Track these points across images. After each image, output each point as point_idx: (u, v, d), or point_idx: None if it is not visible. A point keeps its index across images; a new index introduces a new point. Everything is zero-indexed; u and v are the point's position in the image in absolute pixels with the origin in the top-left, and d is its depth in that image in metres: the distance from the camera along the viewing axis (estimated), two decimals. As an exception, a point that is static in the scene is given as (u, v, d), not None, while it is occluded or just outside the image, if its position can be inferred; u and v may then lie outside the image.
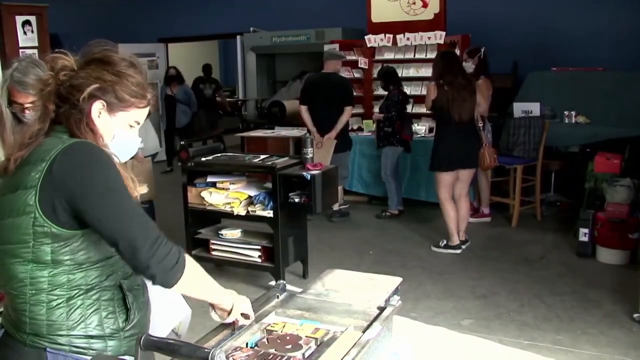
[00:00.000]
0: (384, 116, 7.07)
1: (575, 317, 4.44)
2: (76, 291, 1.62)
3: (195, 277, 1.73)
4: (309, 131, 6.78)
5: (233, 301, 1.83)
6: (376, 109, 7.74)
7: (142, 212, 1.64)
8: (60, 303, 1.60)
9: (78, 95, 1.64)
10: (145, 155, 5.82)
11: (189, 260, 1.69)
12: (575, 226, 5.92)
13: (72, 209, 1.56)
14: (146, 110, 1.76)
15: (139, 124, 1.76)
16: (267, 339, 1.77)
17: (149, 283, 1.75)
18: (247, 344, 1.76)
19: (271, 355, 1.64)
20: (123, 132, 1.73)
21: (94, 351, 1.61)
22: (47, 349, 1.60)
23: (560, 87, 7.89)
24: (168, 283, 1.63)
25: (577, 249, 5.77)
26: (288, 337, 1.76)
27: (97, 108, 1.67)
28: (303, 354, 1.67)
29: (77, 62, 1.69)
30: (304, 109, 7.01)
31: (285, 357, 1.63)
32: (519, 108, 7.10)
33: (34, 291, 1.59)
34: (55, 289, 1.60)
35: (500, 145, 6.96)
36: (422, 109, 7.29)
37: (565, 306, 4.63)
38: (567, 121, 7.57)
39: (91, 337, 1.62)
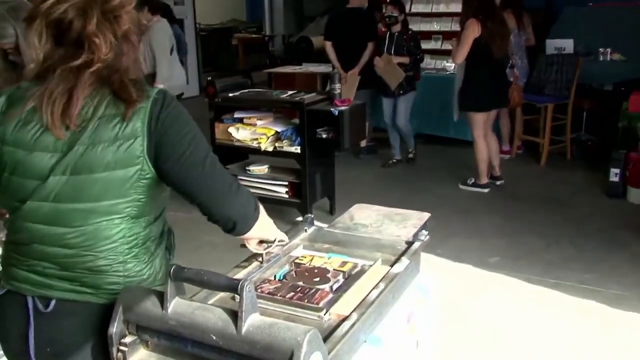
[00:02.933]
0: (412, 59, 6.63)
1: (603, 257, 4.41)
2: (156, 241, 1.60)
3: (262, 221, 1.69)
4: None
5: (276, 235, 1.82)
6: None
7: (217, 159, 1.58)
8: (147, 255, 1.57)
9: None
10: None
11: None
12: (606, 166, 5.83)
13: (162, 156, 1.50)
14: None
15: None
16: (295, 271, 1.78)
17: None
18: (275, 276, 1.77)
19: (299, 288, 1.65)
20: None
21: None
22: None
23: (596, 23, 7.60)
24: (244, 231, 1.62)
25: (607, 190, 5.69)
26: (316, 270, 1.77)
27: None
28: (331, 287, 1.68)
29: None
30: (328, 45, 6.90)
31: (313, 290, 1.64)
32: (551, 45, 6.92)
33: (126, 248, 1.52)
34: (146, 241, 1.56)
35: (531, 83, 6.83)
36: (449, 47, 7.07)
37: (592, 246, 4.60)
38: (601, 59, 7.35)
39: (160, 284, 1.58)
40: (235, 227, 1.60)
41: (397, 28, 6.60)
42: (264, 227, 1.73)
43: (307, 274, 1.75)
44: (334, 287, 1.69)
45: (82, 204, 1.47)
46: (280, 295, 1.61)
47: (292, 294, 1.62)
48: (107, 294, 1.51)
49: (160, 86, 5.61)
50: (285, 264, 1.87)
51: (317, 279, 1.71)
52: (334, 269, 1.77)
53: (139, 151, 1.46)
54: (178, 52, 7.22)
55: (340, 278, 1.73)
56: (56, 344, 1.54)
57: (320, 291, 1.63)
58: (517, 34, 6.77)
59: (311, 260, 1.85)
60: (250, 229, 1.64)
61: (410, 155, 7.04)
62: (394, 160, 6.99)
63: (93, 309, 1.51)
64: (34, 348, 1.54)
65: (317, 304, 1.57)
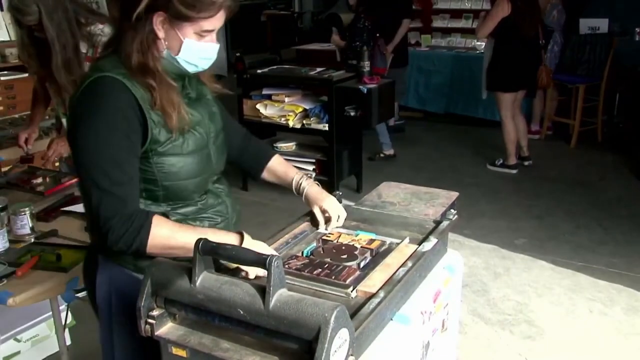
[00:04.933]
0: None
1: (632, 240, 4.36)
2: None
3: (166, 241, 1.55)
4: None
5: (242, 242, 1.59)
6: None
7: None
8: None
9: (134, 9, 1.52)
10: None
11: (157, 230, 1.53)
12: (637, 149, 5.73)
13: None
14: (217, 19, 1.58)
15: (210, 32, 1.60)
16: (322, 248, 1.77)
17: None
18: (302, 252, 1.77)
19: (326, 265, 1.65)
20: (191, 42, 1.58)
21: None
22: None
23: (634, 1, 7.43)
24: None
25: (638, 173, 5.60)
26: (344, 247, 1.76)
27: (159, 21, 1.55)
28: (358, 264, 1.67)
29: None
30: (408, 23, 6.63)
31: (341, 267, 1.64)
32: (585, 24, 6.78)
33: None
34: None
35: (563, 63, 6.71)
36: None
37: (622, 230, 4.54)
38: (637, 39, 7.19)
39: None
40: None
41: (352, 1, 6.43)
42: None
43: (334, 251, 1.74)
44: (362, 265, 1.68)
45: None
46: (307, 272, 1.61)
47: (320, 270, 1.62)
48: None
49: None
50: (313, 241, 1.86)
51: (345, 256, 1.70)
52: (361, 247, 1.76)
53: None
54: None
55: (368, 255, 1.72)
56: None
57: (347, 268, 1.63)
58: (561, 9, 6.66)
59: (338, 237, 1.85)
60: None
61: (382, 155, 6.36)
62: (382, 155, 6.38)
63: None
64: None
65: (345, 281, 1.57)
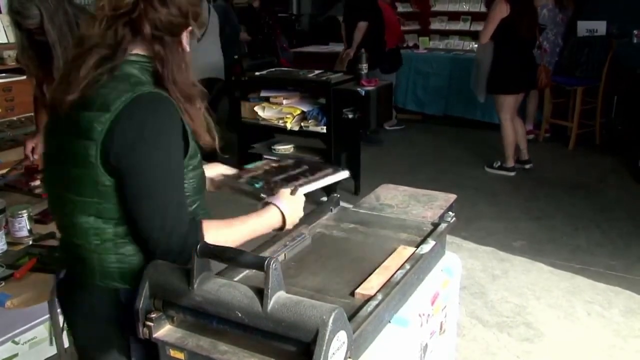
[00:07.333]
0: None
1: (631, 243, 4.36)
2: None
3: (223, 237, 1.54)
4: (362, 46, 6.55)
5: (280, 216, 1.67)
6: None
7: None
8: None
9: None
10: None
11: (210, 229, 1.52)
12: (635, 152, 5.73)
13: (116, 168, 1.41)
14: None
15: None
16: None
17: None
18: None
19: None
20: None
21: None
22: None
23: (631, 3, 7.42)
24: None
25: (636, 175, 5.60)
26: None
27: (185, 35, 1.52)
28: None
29: None
30: (363, 26, 6.51)
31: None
32: (583, 26, 6.79)
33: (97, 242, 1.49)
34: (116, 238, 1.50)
35: (561, 65, 6.72)
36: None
37: (620, 232, 4.54)
38: (635, 41, 7.19)
39: None
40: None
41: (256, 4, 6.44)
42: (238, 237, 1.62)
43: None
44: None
45: (63, 192, 1.49)
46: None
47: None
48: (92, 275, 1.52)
49: None
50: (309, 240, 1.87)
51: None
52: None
53: (92, 157, 1.40)
54: (223, 31, 7.01)
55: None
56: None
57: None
58: (552, 8, 6.66)
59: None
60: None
61: None
62: None
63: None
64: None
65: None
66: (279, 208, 1.66)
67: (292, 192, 1.70)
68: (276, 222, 1.66)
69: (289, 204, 1.68)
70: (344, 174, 1.86)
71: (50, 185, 1.56)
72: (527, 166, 5.97)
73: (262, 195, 1.70)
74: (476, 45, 7.53)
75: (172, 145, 1.44)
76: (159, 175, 1.42)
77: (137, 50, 1.47)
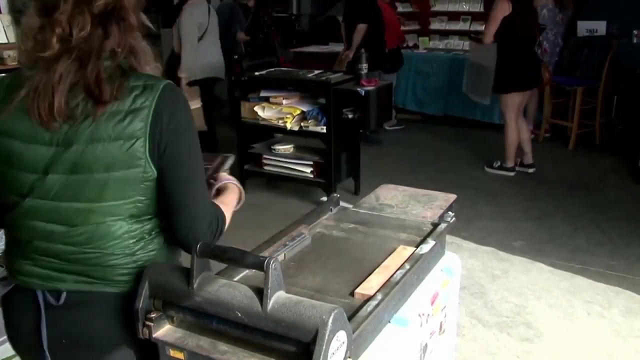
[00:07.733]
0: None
1: (631, 243, 4.36)
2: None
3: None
4: (362, 47, 6.54)
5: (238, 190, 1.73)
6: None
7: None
8: (156, 242, 1.49)
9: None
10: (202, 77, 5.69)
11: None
12: (635, 152, 5.73)
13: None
14: None
15: None
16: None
17: None
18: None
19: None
20: None
21: None
22: None
23: (631, 3, 7.41)
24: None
25: (636, 175, 5.60)
26: None
27: None
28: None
29: None
30: (363, 28, 6.50)
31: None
32: (583, 27, 6.78)
33: (132, 242, 1.44)
34: (152, 231, 1.47)
35: (561, 65, 6.71)
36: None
37: (620, 232, 4.54)
38: (635, 41, 7.19)
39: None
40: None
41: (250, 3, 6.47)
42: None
43: None
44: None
45: (82, 203, 1.38)
46: (305, 274, 1.62)
47: (317, 272, 1.62)
48: (120, 283, 1.44)
49: (182, 75, 5.58)
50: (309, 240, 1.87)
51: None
52: None
53: (140, 152, 1.36)
54: (230, 29, 6.93)
55: None
56: (72, 335, 1.47)
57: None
58: (552, 8, 6.66)
59: None
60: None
61: None
62: None
63: (109, 297, 1.45)
64: (47, 341, 1.47)
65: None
66: (236, 185, 1.72)
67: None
68: (239, 195, 1.72)
69: (235, 180, 1.75)
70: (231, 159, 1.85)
71: (57, 199, 1.41)
72: (530, 170, 5.92)
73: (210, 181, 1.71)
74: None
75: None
76: (199, 159, 1.47)
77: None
